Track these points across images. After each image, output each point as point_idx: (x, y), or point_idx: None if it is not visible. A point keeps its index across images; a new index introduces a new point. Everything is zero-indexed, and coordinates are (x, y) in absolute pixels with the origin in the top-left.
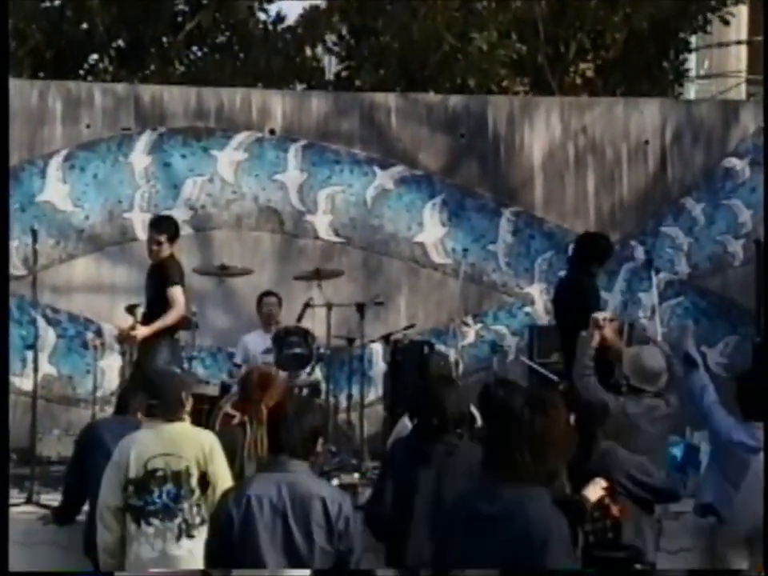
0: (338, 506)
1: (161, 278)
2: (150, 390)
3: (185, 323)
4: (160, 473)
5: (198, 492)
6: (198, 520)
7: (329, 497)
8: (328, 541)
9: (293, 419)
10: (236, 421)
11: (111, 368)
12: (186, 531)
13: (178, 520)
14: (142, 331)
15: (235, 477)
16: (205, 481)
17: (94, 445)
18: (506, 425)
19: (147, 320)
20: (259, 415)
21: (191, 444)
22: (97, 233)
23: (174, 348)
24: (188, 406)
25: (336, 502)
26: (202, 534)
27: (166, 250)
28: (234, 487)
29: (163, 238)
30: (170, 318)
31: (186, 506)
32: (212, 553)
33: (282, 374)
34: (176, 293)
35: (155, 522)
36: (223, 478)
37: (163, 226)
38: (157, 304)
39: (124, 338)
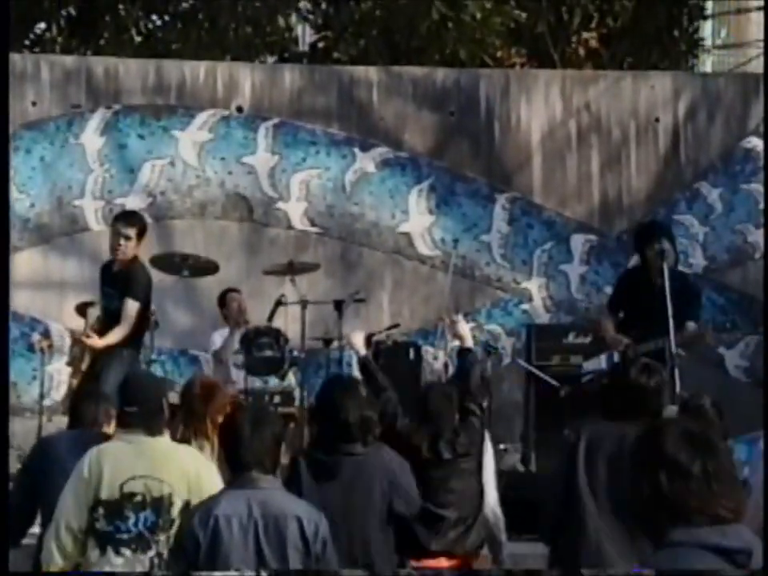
0: (315, 525)
1: (123, 288)
2: (126, 396)
3: (127, 342)
4: (138, 497)
5: (177, 522)
6: None
7: (305, 516)
8: (304, 564)
9: (250, 432)
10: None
11: (60, 373)
12: (159, 566)
13: (151, 553)
14: (97, 342)
15: None
16: (188, 510)
17: (46, 462)
18: None
19: (104, 329)
20: (204, 430)
21: (176, 466)
22: (44, 222)
23: (134, 354)
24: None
25: (313, 522)
26: None
27: (132, 249)
28: (200, 506)
29: (132, 232)
30: (119, 334)
31: (162, 537)
32: None
33: (232, 383)
34: (131, 309)
35: (126, 552)
36: None
37: (132, 218)
38: (118, 316)
39: (77, 341)
